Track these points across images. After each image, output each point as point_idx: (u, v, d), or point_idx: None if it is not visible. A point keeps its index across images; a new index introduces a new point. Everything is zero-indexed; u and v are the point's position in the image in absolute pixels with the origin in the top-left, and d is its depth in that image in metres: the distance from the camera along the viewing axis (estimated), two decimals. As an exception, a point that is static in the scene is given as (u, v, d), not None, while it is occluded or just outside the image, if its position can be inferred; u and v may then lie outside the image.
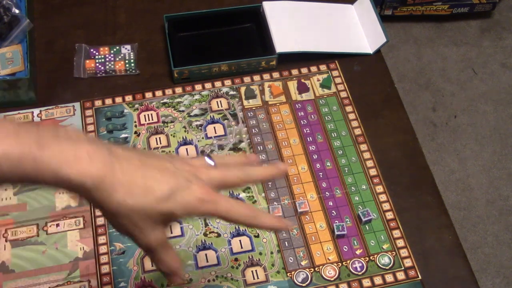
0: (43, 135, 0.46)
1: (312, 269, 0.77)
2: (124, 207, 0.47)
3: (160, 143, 0.88)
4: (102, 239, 0.79)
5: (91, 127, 0.89)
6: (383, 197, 0.83)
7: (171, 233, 0.79)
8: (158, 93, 0.94)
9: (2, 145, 0.44)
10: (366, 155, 0.88)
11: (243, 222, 0.53)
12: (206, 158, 0.54)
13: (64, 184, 0.46)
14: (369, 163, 0.87)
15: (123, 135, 0.89)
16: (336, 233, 0.79)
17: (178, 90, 0.94)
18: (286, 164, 0.57)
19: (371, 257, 0.78)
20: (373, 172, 0.86)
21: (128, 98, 0.93)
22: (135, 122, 0.90)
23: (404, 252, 0.79)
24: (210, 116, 0.92)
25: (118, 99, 0.93)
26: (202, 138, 0.89)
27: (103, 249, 0.78)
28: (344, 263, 0.78)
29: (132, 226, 0.49)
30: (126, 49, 0.98)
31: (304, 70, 0.97)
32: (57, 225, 0.80)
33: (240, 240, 0.79)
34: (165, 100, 0.93)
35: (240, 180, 0.54)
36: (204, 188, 0.50)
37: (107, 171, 0.46)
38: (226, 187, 0.54)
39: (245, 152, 0.87)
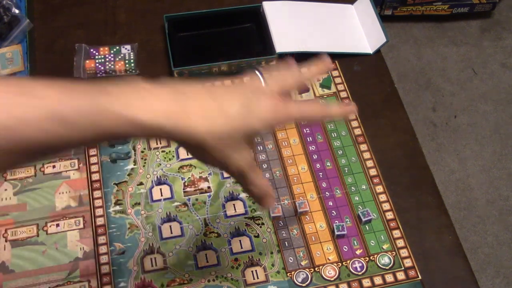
0: (103, 85, 0.44)
1: (312, 269, 0.77)
2: (207, 135, 0.46)
3: (160, 143, 0.88)
4: (102, 239, 0.79)
5: (91, 127, 0.89)
6: (383, 197, 0.83)
7: (171, 233, 0.80)
8: (158, 93, 0.94)
9: (71, 100, 0.41)
10: (366, 155, 0.88)
11: (316, 117, 0.55)
12: (257, 73, 0.54)
13: (141, 130, 0.44)
14: (369, 163, 0.87)
15: (123, 135, 0.89)
16: (336, 233, 0.79)
17: (178, 90, 0.94)
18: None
19: (371, 257, 0.78)
20: (373, 172, 0.86)
21: (128, 98, 0.93)
22: (135, 122, 0.90)
23: (404, 252, 0.79)
24: (210, 116, 0.91)
25: (118, 99, 0.93)
26: (202, 138, 0.89)
27: (103, 249, 0.78)
28: (344, 263, 0.78)
29: (220, 154, 0.48)
30: (126, 49, 0.98)
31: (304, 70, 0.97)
32: (57, 225, 0.80)
33: (240, 240, 0.79)
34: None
35: (295, 81, 0.55)
36: (272, 97, 0.50)
37: (177, 104, 0.45)
38: (286, 91, 0.54)
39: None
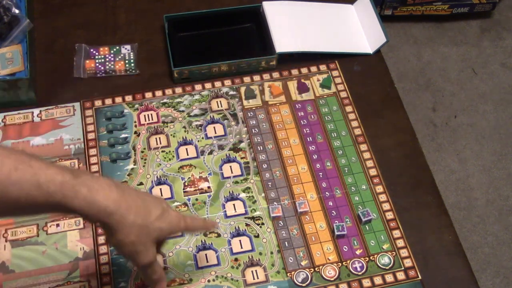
0: (72, 169, 0.57)
1: (312, 269, 0.77)
2: (135, 226, 0.59)
3: (160, 143, 0.88)
4: (102, 239, 0.79)
5: (91, 127, 0.89)
6: (383, 197, 0.83)
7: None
8: (158, 93, 0.94)
9: (49, 171, 0.54)
10: (366, 155, 0.88)
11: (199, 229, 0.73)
12: None
13: (92, 209, 0.56)
14: (369, 163, 0.87)
15: (123, 135, 0.89)
16: (336, 233, 0.79)
17: (178, 90, 0.94)
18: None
19: (371, 257, 0.78)
20: (373, 172, 0.86)
21: (128, 98, 0.93)
22: (135, 122, 0.90)
23: (404, 252, 0.79)
24: (210, 116, 0.91)
25: (118, 99, 0.93)
26: (202, 138, 0.89)
27: (103, 249, 0.78)
28: (344, 263, 0.78)
29: (139, 245, 0.60)
30: (126, 49, 0.98)
31: (304, 70, 0.97)
32: (57, 225, 0.80)
33: (240, 240, 0.79)
34: (165, 100, 0.93)
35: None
36: (175, 211, 0.65)
37: (121, 198, 0.58)
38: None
39: (245, 151, 0.87)
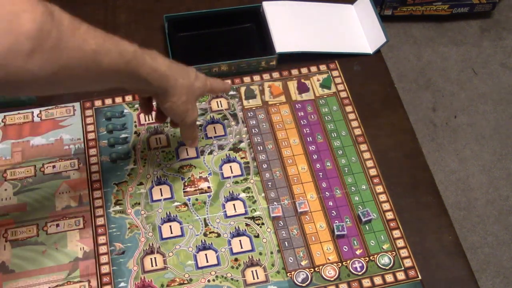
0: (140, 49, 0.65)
1: (312, 269, 0.77)
2: (184, 87, 0.69)
3: (160, 143, 0.88)
4: (102, 239, 0.79)
5: (91, 127, 0.89)
6: (383, 197, 0.83)
7: (171, 233, 0.80)
8: (158, 93, 0.94)
9: (123, 42, 0.61)
10: (366, 155, 0.88)
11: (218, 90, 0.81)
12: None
13: (155, 75, 0.65)
14: (369, 163, 0.87)
15: (123, 135, 0.89)
16: (336, 233, 0.79)
17: (178, 90, 0.94)
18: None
19: (371, 257, 0.78)
20: (373, 172, 0.86)
21: (128, 98, 0.93)
22: (135, 122, 0.90)
23: (404, 252, 0.79)
24: (210, 116, 0.91)
25: (118, 99, 0.93)
26: (202, 138, 0.89)
27: (103, 249, 0.78)
28: (344, 263, 0.78)
29: (188, 103, 0.71)
30: (126, 49, 0.98)
31: (304, 70, 0.97)
32: (57, 225, 0.80)
33: (240, 240, 0.79)
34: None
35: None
36: (204, 76, 0.76)
37: (171, 64, 0.68)
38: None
39: (245, 151, 0.87)
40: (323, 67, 0.98)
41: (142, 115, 0.91)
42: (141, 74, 0.63)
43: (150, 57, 0.65)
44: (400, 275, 0.77)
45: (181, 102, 0.70)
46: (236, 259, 0.78)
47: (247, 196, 0.83)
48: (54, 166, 0.85)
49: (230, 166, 0.86)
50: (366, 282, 0.76)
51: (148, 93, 0.75)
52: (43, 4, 0.48)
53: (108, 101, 0.92)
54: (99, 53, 0.56)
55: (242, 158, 0.87)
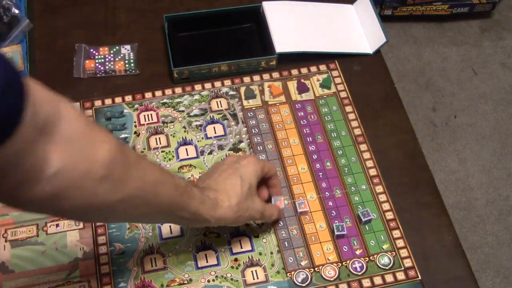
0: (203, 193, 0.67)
1: (312, 269, 0.77)
2: (232, 206, 0.69)
3: (160, 143, 0.88)
4: (102, 239, 0.79)
5: (91, 127, 0.89)
6: (383, 197, 0.83)
7: (171, 233, 0.80)
8: (158, 93, 0.94)
9: (177, 179, 0.63)
10: (366, 155, 0.88)
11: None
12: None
13: (203, 205, 0.66)
14: (369, 163, 0.87)
15: (122, 136, 0.89)
16: (336, 233, 0.79)
17: (178, 90, 0.94)
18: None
19: (371, 257, 0.78)
20: (373, 172, 0.86)
21: (128, 98, 0.93)
22: (135, 122, 0.90)
23: (404, 252, 0.79)
24: (210, 116, 0.91)
25: (118, 99, 0.93)
26: (202, 138, 0.89)
27: (103, 249, 0.78)
28: (344, 263, 0.78)
29: (243, 211, 0.70)
30: (126, 49, 0.98)
31: (304, 70, 0.97)
32: (57, 225, 0.80)
33: (240, 240, 0.79)
34: (164, 100, 0.93)
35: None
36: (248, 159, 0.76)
37: (214, 194, 0.69)
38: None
39: (245, 151, 0.87)
40: (323, 67, 0.98)
41: (142, 115, 0.91)
42: (191, 206, 0.64)
43: (198, 189, 0.66)
44: (400, 275, 0.77)
45: (232, 219, 0.70)
46: (236, 259, 0.78)
47: (247, 196, 0.83)
48: (54, 166, 0.85)
49: (230, 166, 0.86)
50: (366, 282, 0.76)
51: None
52: (117, 139, 0.54)
53: (108, 101, 0.92)
54: (157, 183, 0.59)
55: (242, 158, 0.87)
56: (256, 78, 0.96)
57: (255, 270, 0.77)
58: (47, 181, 0.46)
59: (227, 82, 0.95)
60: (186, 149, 0.88)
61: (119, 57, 0.97)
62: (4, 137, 0.40)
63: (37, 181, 0.45)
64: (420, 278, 0.77)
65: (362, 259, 0.78)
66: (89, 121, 0.55)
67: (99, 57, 0.97)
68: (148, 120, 0.91)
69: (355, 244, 0.79)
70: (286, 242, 0.79)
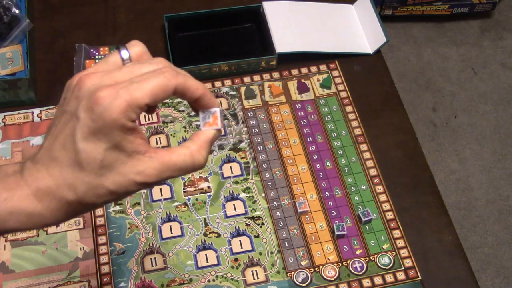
0: None
1: (312, 269, 0.77)
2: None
3: (160, 143, 0.88)
4: (102, 239, 0.79)
5: (91, 127, 0.89)
6: (383, 197, 0.83)
7: (171, 233, 0.80)
8: (158, 93, 0.94)
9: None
10: (366, 155, 0.88)
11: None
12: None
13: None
14: (369, 163, 0.87)
15: (123, 135, 0.89)
16: (336, 233, 0.79)
17: (178, 90, 0.94)
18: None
19: (371, 257, 0.78)
20: (373, 172, 0.86)
21: (128, 98, 0.93)
22: (135, 122, 0.90)
23: (404, 252, 0.79)
24: (210, 116, 0.91)
25: (118, 99, 0.93)
26: (202, 138, 0.89)
27: (103, 249, 0.78)
28: (344, 263, 0.78)
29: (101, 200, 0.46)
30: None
31: (304, 70, 0.97)
32: (57, 225, 0.80)
33: (240, 240, 0.79)
34: (165, 100, 0.93)
35: None
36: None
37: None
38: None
39: (245, 151, 0.87)
40: (323, 67, 0.98)
41: (142, 115, 0.91)
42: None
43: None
44: (400, 275, 0.77)
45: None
46: (236, 259, 0.78)
47: (247, 196, 0.83)
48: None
49: (230, 166, 0.86)
50: (366, 282, 0.76)
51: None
52: None
53: (108, 101, 0.92)
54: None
55: (242, 158, 0.87)
56: (256, 78, 0.96)
57: (255, 270, 0.77)
58: None
59: (227, 82, 0.95)
60: (186, 149, 0.88)
61: (119, 57, 0.97)
62: None
63: None
64: (420, 278, 0.77)
65: (362, 259, 0.78)
66: None
67: (99, 57, 0.97)
68: (148, 120, 0.91)
69: (355, 244, 0.79)
70: (286, 242, 0.79)
